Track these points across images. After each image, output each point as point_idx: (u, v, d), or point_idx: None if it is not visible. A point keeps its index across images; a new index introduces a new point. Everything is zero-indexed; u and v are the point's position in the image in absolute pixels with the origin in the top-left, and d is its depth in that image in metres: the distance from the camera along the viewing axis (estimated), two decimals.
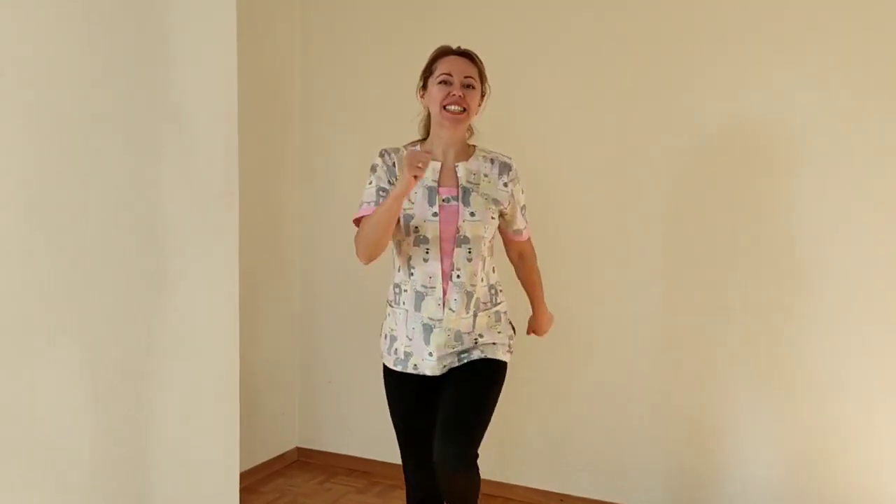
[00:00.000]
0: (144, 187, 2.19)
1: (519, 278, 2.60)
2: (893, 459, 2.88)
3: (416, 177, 2.12)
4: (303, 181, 3.86)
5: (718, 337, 3.11)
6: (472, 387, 2.32)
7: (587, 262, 3.30)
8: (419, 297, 2.30)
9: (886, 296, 2.86)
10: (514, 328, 2.48)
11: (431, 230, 2.27)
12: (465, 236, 2.28)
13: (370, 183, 2.34)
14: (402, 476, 2.46)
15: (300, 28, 3.81)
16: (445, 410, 2.30)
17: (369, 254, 2.25)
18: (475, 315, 2.32)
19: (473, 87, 2.29)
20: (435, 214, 2.27)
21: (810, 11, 2.91)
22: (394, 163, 2.32)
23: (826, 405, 2.97)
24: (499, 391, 2.38)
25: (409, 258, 2.30)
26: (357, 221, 2.33)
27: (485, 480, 2.45)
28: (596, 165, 3.27)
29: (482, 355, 2.33)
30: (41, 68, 1.90)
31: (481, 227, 2.29)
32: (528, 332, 2.66)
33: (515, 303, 2.62)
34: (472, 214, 2.29)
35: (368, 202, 2.32)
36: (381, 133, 3.57)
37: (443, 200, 2.29)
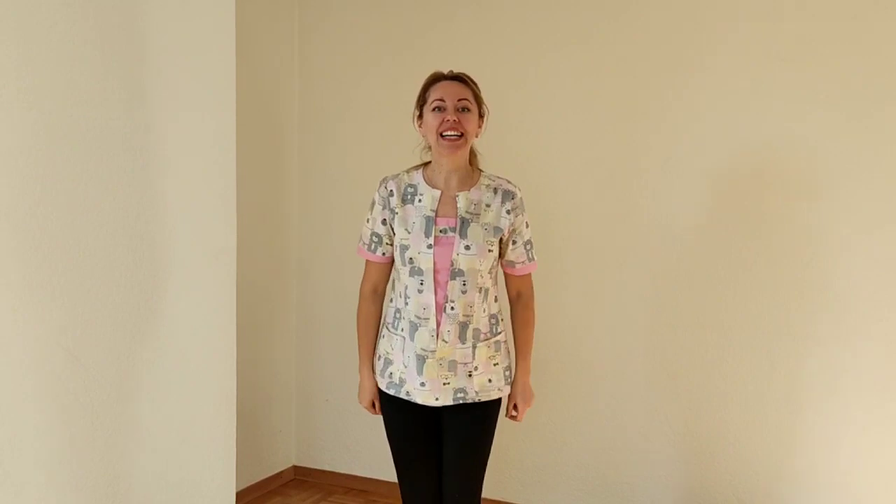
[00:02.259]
0: (142, 206, 2.19)
1: (511, 321, 2.44)
2: None
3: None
4: (301, 199, 3.87)
5: (720, 354, 3.11)
6: (472, 445, 2.36)
7: (585, 281, 3.30)
8: (413, 328, 2.27)
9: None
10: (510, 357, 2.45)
11: (425, 262, 2.25)
12: (459, 269, 2.24)
13: (367, 220, 2.36)
14: (399, 495, 2.45)
15: (298, 42, 3.83)
16: (448, 473, 2.35)
17: None
18: (474, 346, 2.29)
19: (469, 110, 2.24)
20: (429, 247, 2.24)
21: (823, 29, 2.92)
22: (391, 192, 2.31)
23: (823, 423, 2.97)
24: (494, 431, 2.40)
25: (406, 287, 2.29)
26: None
27: (483, 499, 2.44)
28: (599, 186, 3.28)
29: (477, 398, 2.31)
30: (43, 89, 1.91)
31: (476, 260, 2.25)
32: (506, 411, 2.41)
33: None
34: (468, 248, 2.24)
35: (364, 243, 2.37)
36: (380, 147, 3.61)
37: (440, 231, 2.26)
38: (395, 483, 2.48)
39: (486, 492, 2.46)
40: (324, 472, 3.87)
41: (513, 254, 2.35)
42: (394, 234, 2.31)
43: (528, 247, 2.37)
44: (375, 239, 2.35)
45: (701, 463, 3.17)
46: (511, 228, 2.31)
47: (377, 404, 2.41)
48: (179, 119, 2.28)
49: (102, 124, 2.06)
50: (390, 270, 2.39)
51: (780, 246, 3.00)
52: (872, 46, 2.85)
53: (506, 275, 2.41)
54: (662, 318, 3.20)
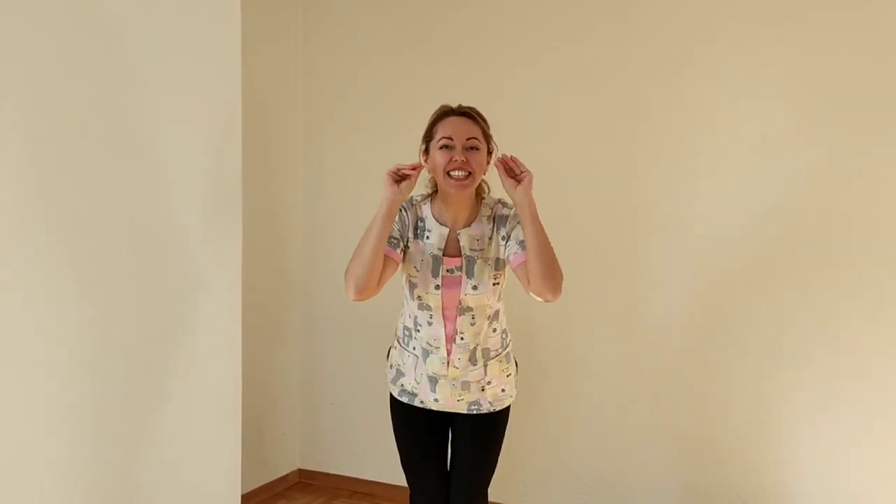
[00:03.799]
0: (147, 209, 2.20)
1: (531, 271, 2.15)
2: None
3: (400, 182, 2.07)
4: (306, 202, 3.88)
5: (724, 357, 3.11)
6: (482, 449, 2.36)
7: (590, 284, 3.30)
8: (425, 353, 2.30)
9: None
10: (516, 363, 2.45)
11: (434, 300, 2.25)
12: (468, 306, 2.24)
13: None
14: (404, 498, 2.46)
15: (302, 43, 3.84)
16: (457, 476, 2.35)
17: (357, 283, 2.13)
18: (486, 365, 2.30)
19: (477, 149, 2.16)
20: (437, 287, 2.22)
21: (824, 29, 2.93)
22: (408, 219, 2.24)
23: (827, 425, 2.97)
24: (503, 437, 2.41)
25: (416, 317, 2.29)
26: None
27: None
28: (601, 188, 3.28)
29: (492, 408, 2.33)
30: (48, 93, 1.92)
31: (484, 297, 2.25)
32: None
33: (516, 330, 2.61)
34: (475, 288, 2.22)
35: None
36: (385, 149, 3.62)
37: (447, 271, 2.22)
38: (399, 486, 2.49)
39: (490, 495, 2.46)
40: (328, 475, 3.87)
41: (508, 249, 2.21)
42: (405, 253, 2.24)
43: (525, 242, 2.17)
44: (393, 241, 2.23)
45: (704, 466, 3.16)
46: (506, 237, 2.22)
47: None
48: (184, 121, 2.29)
49: (107, 126, 2.07)
50: (390, 272, 2.22)
51: (783, 247, 3.00)
52: (876, 46, 2.85)
53: (518, 275, 2.20)
54: (665, 320, 3.20)
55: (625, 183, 3.23)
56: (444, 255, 2.22)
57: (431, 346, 2.27)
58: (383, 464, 3.63)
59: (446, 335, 2.25)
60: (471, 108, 2.22)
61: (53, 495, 1.98)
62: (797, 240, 2.98)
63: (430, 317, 2.26)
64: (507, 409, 2.39)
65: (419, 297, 2.26)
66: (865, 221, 2.89)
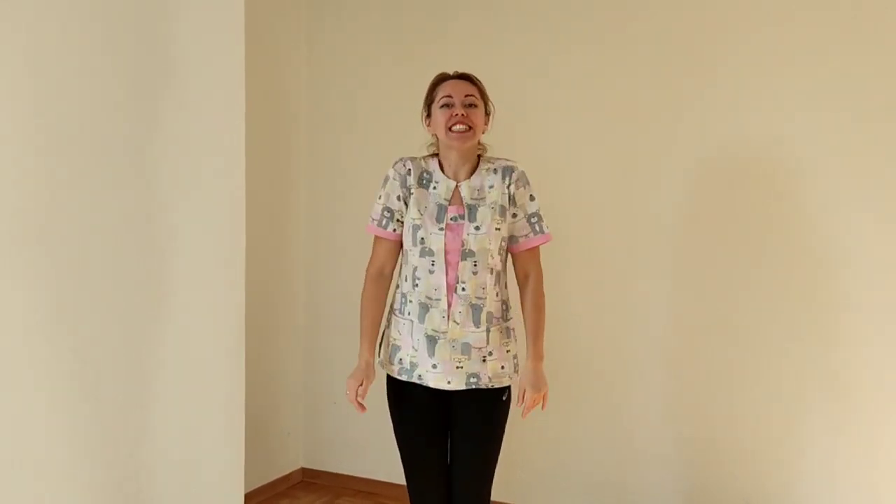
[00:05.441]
0: (151, 210, 2.20)
1: (521, 308, 2.41)
2: None
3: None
4: (308, 199, 3.88)
5: (727, 357, 3.10)
6: (482, 436, 2.36)
7: (593, 283, 3.29)
8: (423, 309, 2.29)
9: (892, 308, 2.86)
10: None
11: (436, 242, 2.28)
12: (470, 249, 2.28)
13: (379, 197, 2.38)
14: (408, 497, 2.45)
15: (305, 45, 3.84)
16: (457, 465, 2.36)
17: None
18: (488, 330, 2.30)
19: (476, 106, 2.30)
20: (441, 229, 2.29)
21: (811, 32, 2.93)
22: (409, 170, 2.34)
23: (838, 421, 2.96)
24: (505, 423, 2.40)
25: (415, 268, 2.31)
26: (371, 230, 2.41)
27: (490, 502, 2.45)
28: (607, 188, 3.28)
29: (490, 384, 2.32)
30: (51, 93, 1.92)
31: (486, 239, 2.28)
32: (518, 400, 2.34)
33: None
34: (477, 228, 2.28)
35: (374, 219, 2.38)
36: (388, 146, 3.59)
37: (451, 219, 2.30)
38: (403, 485, 2.48)
39: (493, 493, 2.46)
40: (332, 474, 3.87)
41: (514, 227, 2.35)
42: (405, 211, 2.34)
43: (534, 219, 2.36)
44: (387, 214, 2.36)
45: (709, 467, 3.16)
46: (512, 199, 2.33)
47: (364, 388, 2.35)
48: (188, 123, 2.30)
49: (111, 129, 2.07)
50: (398, 252, 2.39)
51: (790, 249, 2.99)
52: (875, 49, 2.85)
53: (512, 256, 2.39)
54: (670, 322, 3.19)
55: (633, 184, 3.22)
56: (449, 204, 2.31)
57: (431, 298, 2.28)
58: (387, 463, 3.63)
59: (447, 283, 2.27)
60: (466, 72, 2.37)
61: (56, 496, 1.98)
62: (810, 240, 2.97)
63: (432, 263, 2.28)
64: (507, 397, 2.37)
65: (422, 239, 2.29)
66: (877, 223, 2.88)
